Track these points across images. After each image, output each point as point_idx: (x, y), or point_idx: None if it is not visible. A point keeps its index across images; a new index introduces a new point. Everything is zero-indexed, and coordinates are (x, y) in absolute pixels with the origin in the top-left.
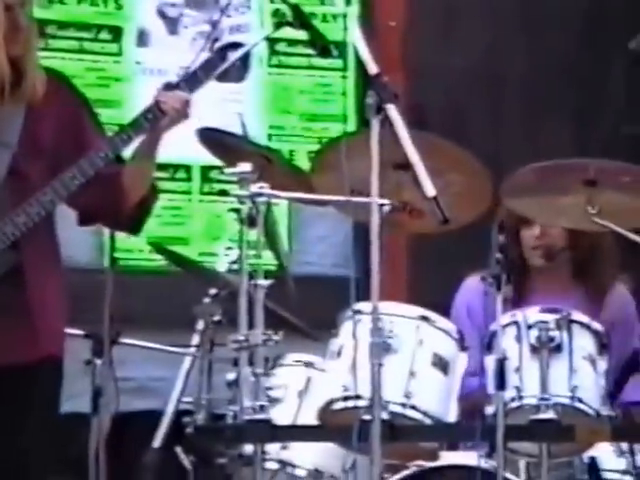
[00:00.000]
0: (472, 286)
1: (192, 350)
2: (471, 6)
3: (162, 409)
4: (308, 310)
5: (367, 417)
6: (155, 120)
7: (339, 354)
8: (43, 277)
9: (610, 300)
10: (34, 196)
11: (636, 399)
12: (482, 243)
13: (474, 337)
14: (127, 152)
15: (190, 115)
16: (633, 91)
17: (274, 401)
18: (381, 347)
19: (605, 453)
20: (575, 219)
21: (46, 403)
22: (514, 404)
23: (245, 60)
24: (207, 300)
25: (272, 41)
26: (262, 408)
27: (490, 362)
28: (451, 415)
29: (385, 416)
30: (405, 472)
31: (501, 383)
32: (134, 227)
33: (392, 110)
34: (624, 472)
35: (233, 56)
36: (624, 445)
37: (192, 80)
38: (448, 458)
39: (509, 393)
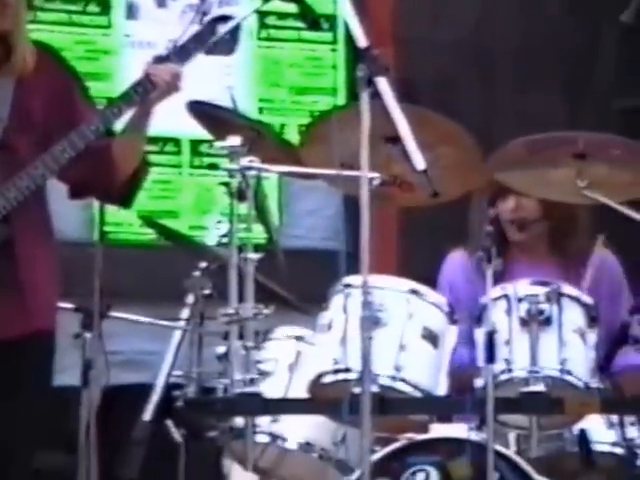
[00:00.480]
0: (454, 262)
1: (182, 323)
2: None
3: (152, 382)
4: (298, 284)
5: (357, 390)
6: (145, 93)
7: (329, 327)
8: (34, 251)
9: (593, 265)
10: (24, 170)
11: (634, 362)
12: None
13: (458, 314)
14: (118, 125)
15: (181, 88)
16: (624, 64)
17: (264, 374)
18: (371, 320)
19: (595, 425)
20: (565, 192)
21: (37, 377)
22: (504, 377)
23: (234, 33)
24: (197, 274)
25: (262, 14)
26: (252, 381)
27: (480, 335)
28: (441, 388)
29: (375, 389)
30: (395, 444)
31: (491, 356)
32: (125, 200)
33: (382, 83)
34: (614, 444)
35: (222, 29)
36: (614, 417)
37: (182, 53)
38: (438, 431)
39: (499, 366)
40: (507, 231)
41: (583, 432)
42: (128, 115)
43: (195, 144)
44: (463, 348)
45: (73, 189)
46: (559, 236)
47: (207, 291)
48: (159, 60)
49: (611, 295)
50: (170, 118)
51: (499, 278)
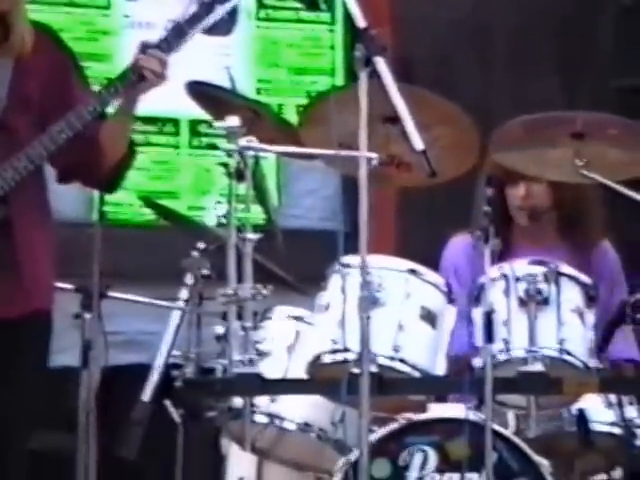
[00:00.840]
0: (457, 245)
1: (181, 304)
2: None
3: (151, 363)
4: (296, 264)
5: (356, 370)
6: (132, 83)
7: (328, 308)
8: (32, 231)
9: (595, 257)
10: (22, 150)
11: (625, 356)
12: (470, 198)
13: (461, 297)
14: (111, 109)
15: (168, 77)
16: (622, 43)
17: (263, 355)
18: (369, 300)
19: (593, 405)
20: (562, 172)
21: (35, 357)
22: (502, 357)
23: (233, 13)
24: (196, 254)
25: None
26: (251, 361)
27: (478, 315)
28: (439, 368)
29: (373, 369)
30: (393, 425)
31: (489, 336)
32: (110, 186)
33: (380, 63)
34: (612, 424)
35: (221, 9)
36: (612, 397)
37: (176, 35)
38: (436, 411)
39: (497, 346)
40: (515, 216)
41: (581, 412)
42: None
43: (194, 124)
44: (462, 330)
45: (61, 174)
46: (568, 220)
47: (206, 271)
48: (146, 47)
49: (610, 283)
50: (169, 98)
51: (502, 261)
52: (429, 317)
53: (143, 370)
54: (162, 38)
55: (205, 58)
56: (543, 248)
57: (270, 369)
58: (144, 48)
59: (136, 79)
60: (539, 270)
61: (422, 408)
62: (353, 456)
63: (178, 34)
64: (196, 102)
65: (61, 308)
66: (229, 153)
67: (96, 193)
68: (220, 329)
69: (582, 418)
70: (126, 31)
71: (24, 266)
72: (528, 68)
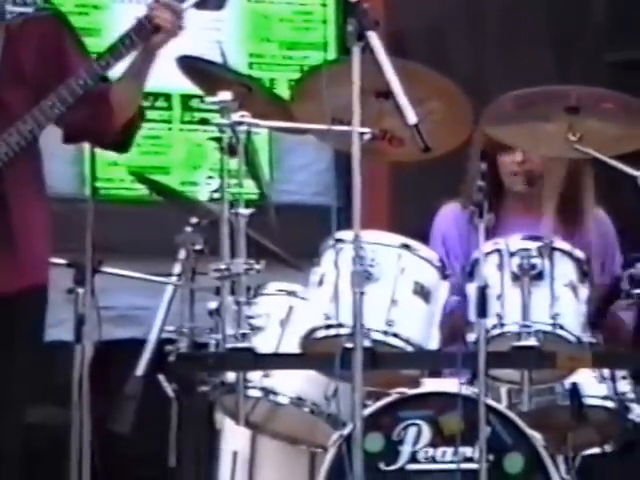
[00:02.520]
0: (447, 214)
1: (174, 279)
2: None
3: (144, 338)
4: (290, 239)
5: (349, 345)
6: (147, 37)
7: (321, 283)
8: (28, 206)
9: (588, 226)
10: (14, 125)
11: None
12: (463, 172)
13: (449, 266)
14: (117, 71)
15: (183, 27)
16: (616, 17)
17: (256, 329)
18: (363, 275)
19: (586, 379)
20: (556, 146)
21: (30, 332)
22: (495, 331)
23: None
24: (189, 229)
25: None
26: (244, 336)
27: (472, 290)
28: (433, 343)
29: (367, 344)
30: (387, 399)
31: (482, 310)
32: (122, 146)
33: (373, 37)
34: (605, 398)
35: None
36: (605, 371)
37: None
38: (430, 385)
39: (490, 320)
40: (509, 183)
41: (574, 386)
42: (130, 58)
43: (186, 99)
44: (455, 297)
45: (68, 133)
46: (563, 194)
47: (199, 246)
48: None
49: (604, 253)
50: (161, 73)
51: (492, 233)
52: (422, 292)
53: (136, 345)
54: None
55: (197, 33)
56: (533, 217)
57: (263, 344)
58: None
59: (151, 30)
60: (533, 245)
61: (416, 383)
62: (346, 430)
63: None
64: (188, 77)
65: (54, 283)
66: (221, 128)
67: (88, 169)
68: (213, 304)
69: (575, 392)
70: (116, 5)
71: (19, 241)
72: (521, 42)
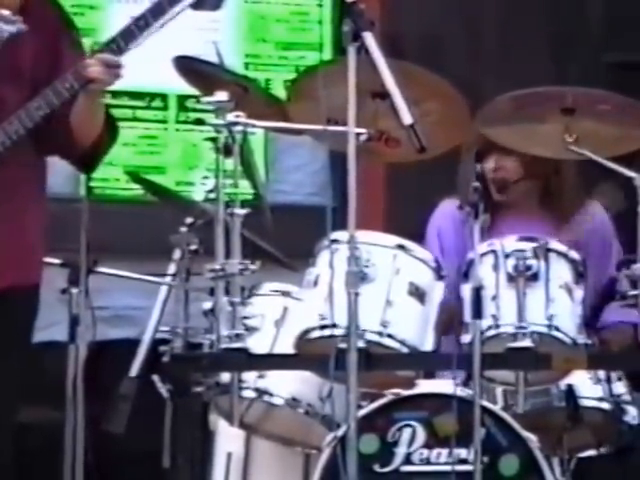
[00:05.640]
0: (445, 210)
1: (169, 279)
2: None
3: (139, 338)
4: (285, 239)
5: (344, 346)
6: (80, 87)
7: (316, 283)
8: (25, 205)
9: (583, 217)
10: (0, 126)
11: (623, 319)
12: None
13: (443, 262)
14: None
15: (119, 76)
16: (614, 18)
17: (251, 330)
18: (358, 276)
19: (582, 381)
20: (552, 147)
21: (21, 331)
22: (491, 332)
23: None
24: (184, 229)
25: None
26: (239, 337)
27: (467, 290)
28: (428, 344)
29: (362, 345)
30: (381, 400)
31: (478, 311)
32: (86, 166)
33: (369, 38)
34: (600, 399)
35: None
36: (601, 373)
37: (126, 34)
38: (424, 386)
39: (486, 322)
40: (490, 190)
41: (570, 387)
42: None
43: (182, 99)
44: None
45: (37, 147)
46: (547, 194)
47: (193, 247)
48: (93, 52)
49: (601, 251)
50: (157, 73)
51: (486, 235)
52: (417, 293)
53: (131, 345)
54: (111, 39)
55: (193, 33)
56: (524, 219)
57: (258, 344)
58: (92, 53)
59: (83, 83)
60: (528, 246)
61: (410, 384)
62: (341, 431)
63: (129, 33)
64: (184, 77)
65: (48, 283)
66: (217, 128)
67: None
68: (208, 304)
69: (571, 393)
70: (112, 5)
71: (13, 238)
72: (518, 43)
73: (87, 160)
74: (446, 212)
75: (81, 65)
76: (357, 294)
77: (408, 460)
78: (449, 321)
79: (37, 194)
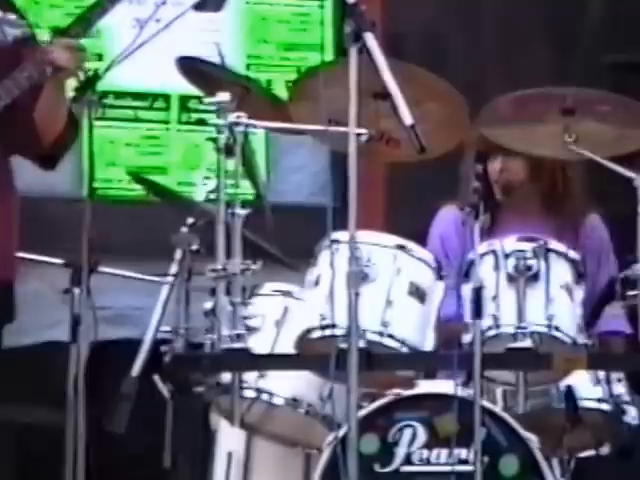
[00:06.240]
0: (447, 216)
1: (170, 279)
2: None
3: (140, 338)
4: (286, 239)
5: (344, 346)
6: (45, 76)
7: (317, 283)
8: None
9: (583, 231)
10: None
11: (613, 328)
12: (458, 174)
13: (448, 267)
14: None
15: (85, 59)
16: (615, 19)
17: (251, 330)
18: (358, 276)
19: (581, 381)
20: (552, 148)
21: None
22: (491, 332)
23: None
24: (185, 229)
25: None
26: (239, 337)
27: (467, 291)
28: (428, 344)
29: (362, 345)
30: (382, 400)
31: (478, 311)
32: (47, 163)
33: (370, 39)
34: (600, 400)
35: None
36: (600, 373)
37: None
38: (425, 387)
39: (486, 322)
40: (495, 191)
41: (570, 388)
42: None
43: (184, 100)
44: (451, 299)
45: (2, 146)
46: (551, 197)
47: (195, 247)
48: (54, 37)
49: (598, 257)
50: (159, 74)
51: (489, 236)
52: (418, 293)
53: (132, 345)
54: (71, 22)
55: (195, 34)
56: (527, 221)
57: (259, 344)
58: (52, 39)
59: (49, 72)
60: (528, 246)
61: (411, 384)
62: (341, 432)
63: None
64: (186, 78)
65: (51, 283)
66: (219, 129)
67: (86, 168)
68: (209, 304)
69: (570, 394)
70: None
71: None
72: (518, 44)
73: (50, 156)
74: (447, 218)
75: (40, 51)
76: (358, 294)
77: (408, 460)
78: (450, 340)
79: (3, 191)
